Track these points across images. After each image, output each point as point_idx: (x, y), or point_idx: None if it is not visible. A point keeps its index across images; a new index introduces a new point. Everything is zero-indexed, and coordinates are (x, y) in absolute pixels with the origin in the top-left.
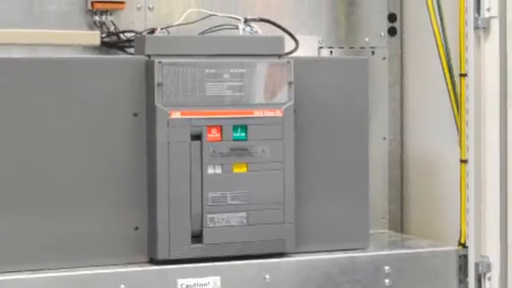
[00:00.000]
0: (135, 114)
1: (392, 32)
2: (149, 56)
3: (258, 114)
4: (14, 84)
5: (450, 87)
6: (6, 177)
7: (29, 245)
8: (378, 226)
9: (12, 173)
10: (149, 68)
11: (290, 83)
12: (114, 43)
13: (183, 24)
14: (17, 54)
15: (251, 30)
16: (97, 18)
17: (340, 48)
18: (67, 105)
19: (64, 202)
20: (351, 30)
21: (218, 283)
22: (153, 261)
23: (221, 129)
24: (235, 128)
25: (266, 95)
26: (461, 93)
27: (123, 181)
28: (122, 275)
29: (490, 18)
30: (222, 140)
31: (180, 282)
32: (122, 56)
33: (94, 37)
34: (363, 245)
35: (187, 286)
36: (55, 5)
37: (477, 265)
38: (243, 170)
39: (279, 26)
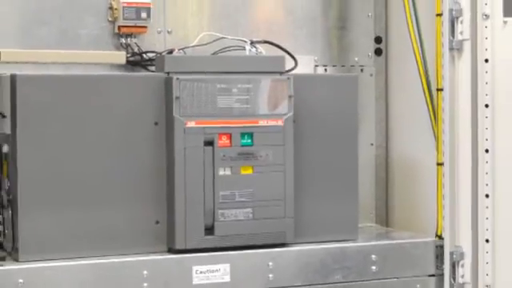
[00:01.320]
0: (156, 123)
1: (378, 52)
2: (168, 73)
3: (262, 123)
4: (52, 97)
5: (428, 100)
6: (48, 179)
7: (68, 237)
8: (366, 220)
9: (53, 176)
10: (168, 83)
11: (289, 97)
12: (137, 62)
13: (197, 45)
14: (54, 71)
15: (256, 50)
16: (123, 40)
17: (333, 66)
18: (97, 115)
19: (95, 200)
20: (343, 50)
21: (228, 269)
22: (171, 250)
23: (230, 136)
24: (242, 135)
25: (269, 107)
26: (437, 105)
27: (146, 181)
28: (144, 263)
29: (463, 40)
30: (231, 146)
31: (195, 268)
32: (144, 73)
33: (121, 56)
34: (353, 236)
35: (201, 272)
36: (87, 29)
37: (451, 254)
38: (249, 171)
39: (280, 47)
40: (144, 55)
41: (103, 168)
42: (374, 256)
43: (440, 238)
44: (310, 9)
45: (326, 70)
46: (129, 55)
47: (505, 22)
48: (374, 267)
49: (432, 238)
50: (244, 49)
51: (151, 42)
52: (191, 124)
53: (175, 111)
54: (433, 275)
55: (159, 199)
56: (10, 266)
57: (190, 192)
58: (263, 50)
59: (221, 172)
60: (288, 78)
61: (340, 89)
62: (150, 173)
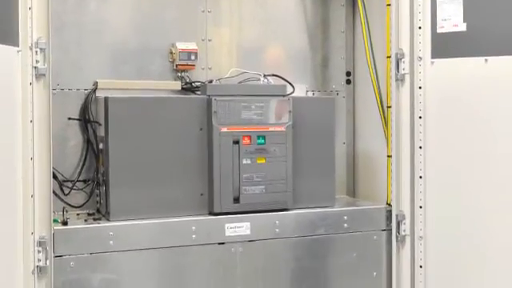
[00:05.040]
0: (201, 129)
1: (348, 82)
2: (209, 96)
3: (271, 129)
4: (132, 111)
5: (381, 113)
6: (130, 166)
7: (142, 204)
8: (340, 192)
9: (133, 163)
10: (209, 102)
11: (289, 111)
12: (188, 88)
13: (228, 77)
14: (133, 94)
15: (267, 80)
16: (179, 74)
17: (318, 91)
18: (162, 123)
19: (160, 179)
20: (325, 80)
21: (249, 226)
22: (211, 213)
23: (250, 137)
24: (258, 137)
25: (276, 118)
26: (388, 116)
27: (195, 167)
28: (193, 222)
29: (405, 74)
30: (250, 144)
31: (227, 225)
32: (193, 96)
33: (177, 85)
34: (331, 204)
35: (231, 227)
36: (155, 66)
37: (397, 215)
38: (263, 161)
39: (283, 79)
40: (193, 84)
41: (166, 157)
42: (345, 217)
43: (389, 205)
44: (304, 53)
45: (313, 93)
46: (183, 84)
47: (432, 62)
48: (345, 224)
49: (384, 205)
50: (259, 79)
51: (198, 75)
52: (224, 129)
53: (214, 121)
54: (384, 230)
55: (203, 179)
56: (104, 224)
57: (224, 174)
58: (272, 80)
59: (244, 161)
60: (288, 99)
61: (323, 106)
62: (197, 162)
